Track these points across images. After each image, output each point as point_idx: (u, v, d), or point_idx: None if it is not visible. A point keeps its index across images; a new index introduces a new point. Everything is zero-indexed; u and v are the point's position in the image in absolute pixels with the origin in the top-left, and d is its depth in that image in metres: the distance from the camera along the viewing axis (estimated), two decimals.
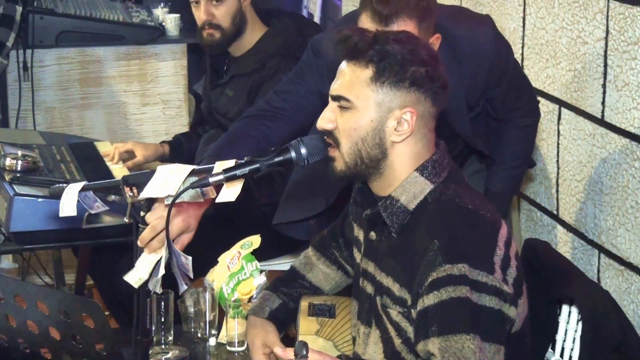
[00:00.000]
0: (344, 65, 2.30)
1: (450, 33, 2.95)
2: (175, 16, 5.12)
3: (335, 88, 2.30)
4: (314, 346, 2.19)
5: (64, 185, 2.44)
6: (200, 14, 3.93)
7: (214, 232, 3.77)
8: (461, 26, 3.02)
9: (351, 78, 2.28)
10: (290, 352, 2.22)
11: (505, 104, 3.12)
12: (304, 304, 2.64)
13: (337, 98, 2.29)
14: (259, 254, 2.94)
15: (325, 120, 2.31)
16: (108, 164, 3.78)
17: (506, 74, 3.05)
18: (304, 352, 2.14)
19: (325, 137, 2.33)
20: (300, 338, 2.58)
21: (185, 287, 2.42)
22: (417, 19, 2.70)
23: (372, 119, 2.26)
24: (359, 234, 2.45)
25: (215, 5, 3.88)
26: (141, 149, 4.05)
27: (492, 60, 2.99)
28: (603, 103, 2.99)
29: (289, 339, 2.66)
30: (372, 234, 2.36)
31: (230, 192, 2.31)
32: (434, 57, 2.30)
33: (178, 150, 4.15)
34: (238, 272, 2.89)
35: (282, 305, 2.64)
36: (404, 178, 2.29)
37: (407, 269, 2.24)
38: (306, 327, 2.60)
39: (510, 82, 3.09)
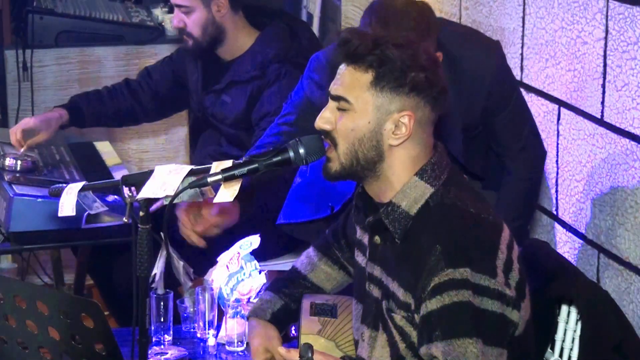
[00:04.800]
0: (343, 67, 2.30)
1: (453, 53, 2.96)
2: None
3: (335, 88, 2.30)
4: (315, 346, 2.19)
5: (64, 185, 2.45)
6: (174, 21, 3.95)
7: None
8: (466, 47, 3.08)
9: (351, 80, 2.27)
10: (294, 354, 2.22)
11: (505, 138, 3.18)
12: (305, 303, 2.64)
13: (337, 98, 2.29)
14: (259, 254, 2.94)
15: (324, 120, 2.31)
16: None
17: (507, 102, 3.12)
18: (310, 355, 2.14)
19: (322, 137, 2.33)
20: (302, 338, 2.58)
21: (190, 284, 2.43)
22: (418, 39, 2.71)
23: (369, 120, 2.26)
24: (363, 237, 2.44)
25: (185, 14, 3.88)
26: (41, 124, 3.84)
27: (491, 84, 3.05)
28: (602, 103, 2.99)
29: (288, 339, 2.66)
30: (377, 239, 2.36)
31: (227, 193, 2.31)
32: (434, 61, 2.30)
33: (77, 115, 4.00)
34: (237, 272, 2.89)
35: (284, 307, 2.64)
36: (403, 183, 2.29)
37: (410, 274, 2.24)
38: (308, 326, 2.60)
39: (512, 115, 3.15)
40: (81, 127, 4.11)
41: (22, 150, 3.69)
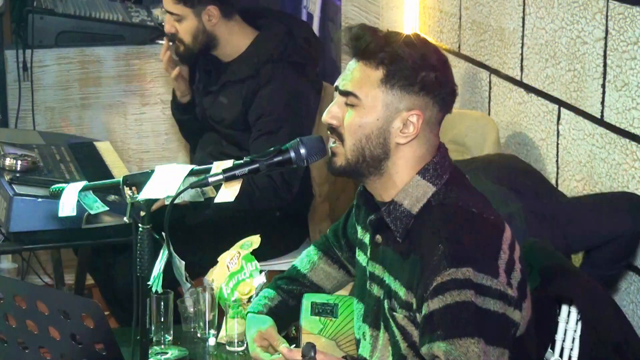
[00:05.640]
0: (353, 63, 2.30)
1: None
2: None
3: (344, 83, 2.29)
4: (316, 345, 2.20)
5: (64, 185, 2.44)
6: (166, 26, 3.95)
7: (214, 232, 3.78)
8: None
9: (361, 76, 2.27)
10: (296, 353, 2.22)
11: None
12: (306, 302, 2.64)
13: (345, 93, 2.29)
14: (259, 254, 2.94)
15: (331, 115, 2.31)
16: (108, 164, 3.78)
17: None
18: (312, 354, 2.14)
19: (328, 132, 2.32)
20: (303, 337, 2.58)
21: (189, 285, 2.43)
22: None
23: (378, 117, 2.26)
24: (364, 236, 2.44)
25: (176, 22, 3.88)
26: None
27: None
28: (602, 103, 2.99)
29: (288, 339, 2.66)
30: (378, 238, 2.35)
31: (228, 193, 2.31)
32: (444, 62, 2.29)
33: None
34: (238, 272, 2.89)
35: (282, 303, 2.64)
36: (405, 182, 2.29)
37: (412, 273, 2.24)
38: (309, 326, 2.60)
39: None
40: (182, 113, 4.16)
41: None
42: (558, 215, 2.92)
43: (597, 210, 2.91)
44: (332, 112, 2.31)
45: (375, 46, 2.25)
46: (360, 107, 2.27)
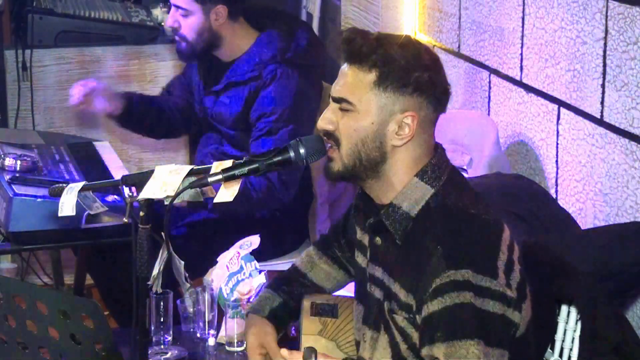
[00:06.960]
0: (346, 67, 2.29)
1: None
2: None
3: (337, 90, 2.29)
4: (316, 346, 2.19)
5: (64, 185, 2.45)
6: (168, 19, 3.91)
7: (214, 232, 3.78)
8: None
9: (354, 81, 2.27)
10: (297, 356, 2.22)
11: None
12: (306, 303, 2.64)
13: (338, 100, 2.29)
14: (259, 254, 2.94)
15: (326, 121, 2.31)
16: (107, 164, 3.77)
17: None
18: (313, 358, 2.14)
19: (324, 137, 2.32)
20: (303, 338, 2.58)
21: (189, 285, 2.43)
22: None
23: (373, 121, 2.26)
24: (363, 238, 2.44)
25: (181, 16, 3.85)
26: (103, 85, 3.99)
27: None
28: (602, 103, 2.99)
29: (288, 340, 2.66)
30: (378, 240, 2.35)
31: (227, 193, 2.31)
32: (436, 61, 2.29)
33: (129, 107, 4.01)
34: (237, 272, 2.89)
35: (283, 304, 2.64)
36: (404, 184, 2.29)
37: (412, 275, 2.24)
38: (309, 327, 2.60)
39: None
40: (124, 123, 4.08)
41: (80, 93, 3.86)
42: (565, 249, 2.90)
43: (605, 243, 2.88)
44: (327, 118, 2.30)
45: (367, 49, 2.25)
46: (355, 111, 2.27)
